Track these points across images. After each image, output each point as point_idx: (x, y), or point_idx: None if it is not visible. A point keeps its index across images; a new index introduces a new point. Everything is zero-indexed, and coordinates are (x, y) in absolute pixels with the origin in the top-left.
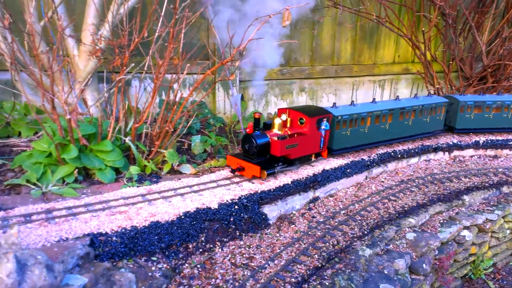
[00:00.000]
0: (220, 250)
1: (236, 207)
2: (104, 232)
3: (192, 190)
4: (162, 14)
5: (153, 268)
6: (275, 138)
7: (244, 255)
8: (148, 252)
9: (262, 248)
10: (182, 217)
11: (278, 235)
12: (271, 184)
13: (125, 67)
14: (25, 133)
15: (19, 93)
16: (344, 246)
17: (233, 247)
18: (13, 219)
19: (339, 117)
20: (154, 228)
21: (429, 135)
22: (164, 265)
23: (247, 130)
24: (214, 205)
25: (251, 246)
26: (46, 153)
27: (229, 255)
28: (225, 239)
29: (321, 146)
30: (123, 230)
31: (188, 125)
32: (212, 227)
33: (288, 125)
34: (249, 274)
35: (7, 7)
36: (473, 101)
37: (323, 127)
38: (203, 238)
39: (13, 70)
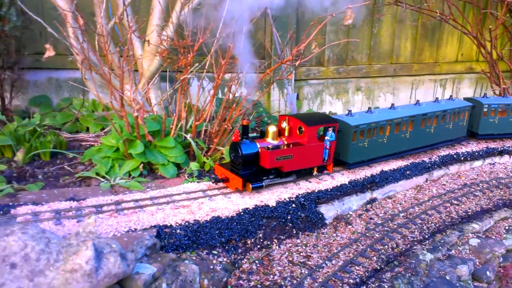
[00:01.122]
0: (277, 247)
1: (293, 205)
2: (169, 224)
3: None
4: (224, 14)
5: (214, 262)
6: (265, 148)
7: (301, 254)
8: (209, 245)
9: (319, 248)
10: (241, 213)
11: (334, 235)
12: (328, 183)
13: (189, 67)
14: (92, 128)
15: (88, 90)
16: (403, 249)
17: (290, 245)
18: (85, 210)
19: (356, 127)
20: (215, 223)
21: (451, 143)
22: (224, 259)
23: (233, 138)
24: (272, 203)
25: (308, 245)
26: (114, 148)
27: (286, 253)
28: (282, 237)
29: (325, 158)
30: (187, 224)
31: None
32: (269, 224)
33: (286, 134)
34: (306, 272)
35: (79, 9)
36: (497, 104)
37: (327, 137)
38: (261, 235)
39: (85, 69)
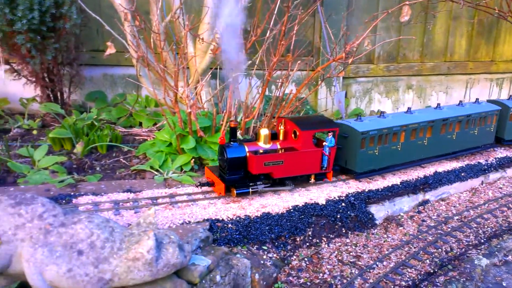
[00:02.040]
0: (326, 245)
1: (343, 204)
2: (220, 218)
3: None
4: (275, 12)
5: (264, 257)
6: (253, 153)
7: (351, 253)
8: (259, 241)
9: (369, 248)
10: (291, 210)
11: (385, 236)
12: (379, 183)
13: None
14: (145, 123)
15: (141, 86)
16: (458, 253)
17: (339, 244)
18: (142, 201)
19: (365, 133)
20: (265, 219)
21: (477, 150)
22: (274, 255)
23: (219, 140)
24: (322, 201)
25: (358, 244)
26: (167, 143)
27: (336, 252)
28: (331, 236)
29: (325, 166)
30: (238, 219)
31: None
32: (319, 223)
33: (281, 138)
34: (356, 272)
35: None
36: None
37: (325, 143)
38: (310, 233)
39: (140, 65)
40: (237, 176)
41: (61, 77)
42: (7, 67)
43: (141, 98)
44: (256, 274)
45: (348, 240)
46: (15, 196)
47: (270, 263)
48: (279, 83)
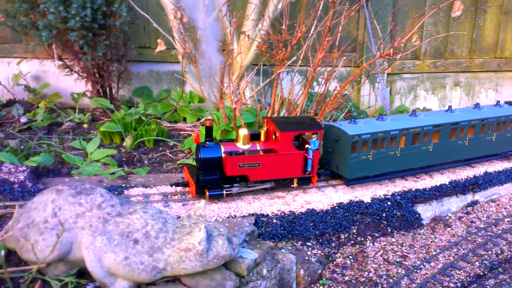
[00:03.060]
0: (371, 244)
1: (388, 203)
2: (265, 214)
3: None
4: (320, 8)
5: (309, 253)
6: (228, 154)
7: (397, 253)
8: (303, 237)
9: (415, 248)
10: (336, 207)
11: (432, 236)
12: (427, 182)
13: (286, 61)
14: (189, 119)
15: (185, 81)
16: (509, 256)
17: (385, 243)
18: (189, 194)
19: (357, 137)
20: (310, 215)
21: (496, 158)
22: (318, 252)
23: (194, 139)
24: (367, 199)
25: (404, 244)
26: None
27: (381, 251)
28: (376, 234)
29: (308, 169)
30: (282, 214)
31: (333, 118)
32: (364, 221)
33: (262, 138)
34: (403, 272)
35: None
36: None
37: (308, 146)
38: (354, 231)
39: (186, 62)
40: (211, 177)
41: (110, 73)
42: (60, 63)
43: (185, 93)
44: (301, 270)
45: (393, 240)
46: (76, 186)
47: (315, 259)
48: (323, 80)
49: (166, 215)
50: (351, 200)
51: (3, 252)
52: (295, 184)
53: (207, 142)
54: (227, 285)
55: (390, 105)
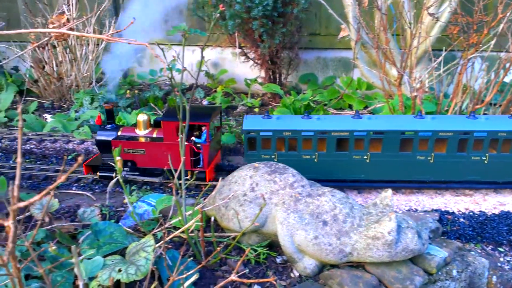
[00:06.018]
0: None
1: None
2: (451, 211)
3: None
4: None
5: (501, 259)
6: (116, 138)
7: None
8: (495, 241)
9: None
10: None
11: None
12: None
13: (480, 45)
14: (356, 106)
15: (352, 68)
16: None
17: None
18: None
19: (252, 133)
20: (504, 218)
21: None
22: None
23: (96, 120)
24: None
25: None
26: None
27: None
28: None
29: (200, 163)
30: (471, 213)
31: None
32: None
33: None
34: None
35: None
36: None
37: (193, 138)
38: None
39: (361, 47)
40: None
41: (282, 60)
42: (239, 50)
43: (353, 80)
44: (494, 277)
45: None
46: (270, 165)
47: (509, 267)
48: None
49: (352, 201)
50: None
51: (212, 218)
52: (189, 176)
53: (107, 125)
54: (416, 280)
55: None
